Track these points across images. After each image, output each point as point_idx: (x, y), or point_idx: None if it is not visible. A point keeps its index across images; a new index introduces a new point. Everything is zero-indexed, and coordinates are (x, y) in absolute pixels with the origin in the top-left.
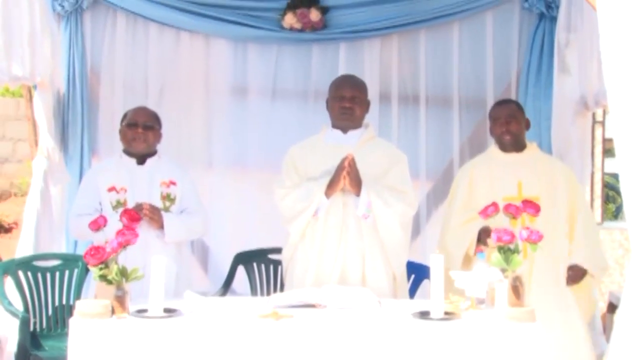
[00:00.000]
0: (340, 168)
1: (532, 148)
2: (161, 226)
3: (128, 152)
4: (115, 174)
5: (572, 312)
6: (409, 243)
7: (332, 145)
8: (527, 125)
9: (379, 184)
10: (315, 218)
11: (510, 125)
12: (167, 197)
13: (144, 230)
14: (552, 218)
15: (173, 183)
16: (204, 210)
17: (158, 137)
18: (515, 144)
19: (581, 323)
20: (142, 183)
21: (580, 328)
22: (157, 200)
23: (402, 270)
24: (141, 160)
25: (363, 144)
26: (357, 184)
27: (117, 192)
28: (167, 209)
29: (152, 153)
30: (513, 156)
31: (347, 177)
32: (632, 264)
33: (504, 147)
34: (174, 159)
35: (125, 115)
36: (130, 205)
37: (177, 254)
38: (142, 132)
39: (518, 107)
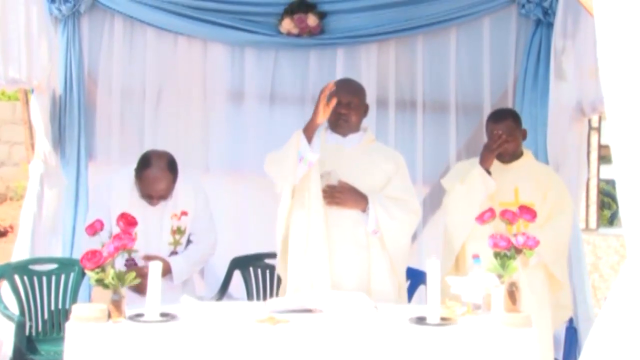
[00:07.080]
0: (319, 99)
1: (528, 156)
2: (168, 271)
3: None
4: (127, 208)
5: (544, 320)
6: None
7: (332, 146)
8: (524, 136)
9: (382, 196)
10: (302, 169)
11: (508, 144)
12: (178, 231)
13: None
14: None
15: (184, 214)
16: (213, 229)
17: (174, 184)
18: (511, 158)
19: (549, 332)
20: (152, 221)
21: (548, 337)
22: (167, 235)
23: (404, 278)
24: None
25: (364, 148)
26: (355, 200)
27: None
28: (177, 243)
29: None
30: (510, 163)
31: (328, 107)
32: (626, 267)
33: (500, 159)
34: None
35: (140, 165)
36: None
37: None
38: (156, 201)
39: (514, 121)
